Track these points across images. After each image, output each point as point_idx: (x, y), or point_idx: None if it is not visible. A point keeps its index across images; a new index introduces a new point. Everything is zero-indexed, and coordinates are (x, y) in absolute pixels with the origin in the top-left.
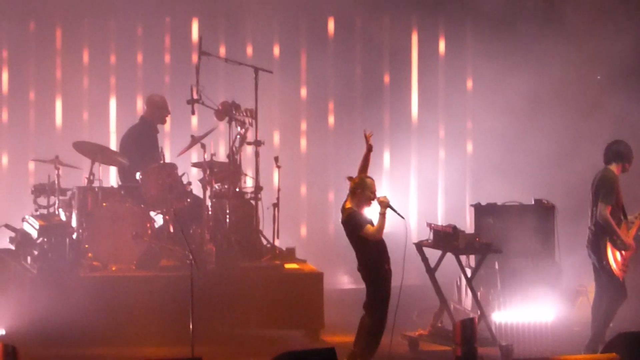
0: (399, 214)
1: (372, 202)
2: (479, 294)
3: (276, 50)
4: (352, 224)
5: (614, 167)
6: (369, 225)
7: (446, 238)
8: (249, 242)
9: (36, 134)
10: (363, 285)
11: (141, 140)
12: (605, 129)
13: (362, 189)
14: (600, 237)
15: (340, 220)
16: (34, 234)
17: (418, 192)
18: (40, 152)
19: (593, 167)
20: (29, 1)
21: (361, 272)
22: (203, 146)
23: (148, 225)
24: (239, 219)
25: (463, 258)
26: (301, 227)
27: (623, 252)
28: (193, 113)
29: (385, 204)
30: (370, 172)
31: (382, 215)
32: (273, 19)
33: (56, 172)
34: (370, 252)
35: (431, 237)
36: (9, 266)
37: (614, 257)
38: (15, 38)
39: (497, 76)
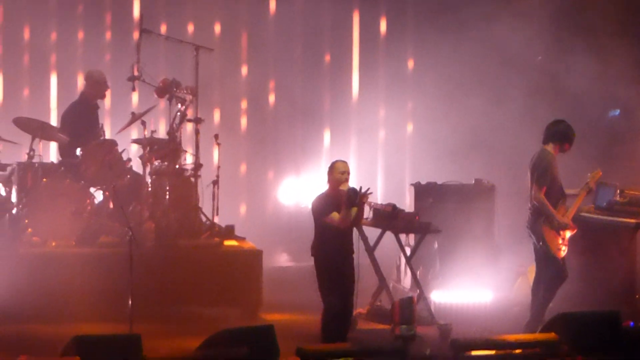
0: (355, 203)
1: (342, 185)
2: (418, 273)
3: (217, 28)
4: (315, 209)
5: (550, 148)
6: (335, 213)
7: (386, 217)
8: (188, 220)
9: None
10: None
11: (81, 117)
12: (546, 109)
13: (330, 172)
14: (537, 217)
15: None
16: None
17: (358, 172)
18: None
19: (534, 148)
20: None
21: (314, 255)
22: (143, 123)
23: (88, 201)
24: (179, 196)
25: (402, 237)
26: (240, 205)
27: (560, 232)
28: (134, 90)
29: (345, 194)
30: (309, 151)
31: (344, 205)
32: None
33: None
34: (330, 239)
35: (371, 215)
36: None
37: (551, 238)
38: None
39: (437, 57)
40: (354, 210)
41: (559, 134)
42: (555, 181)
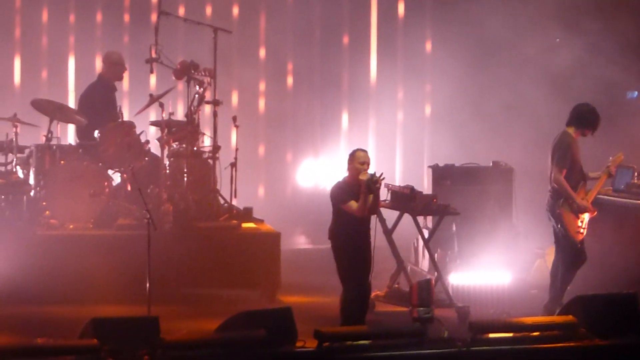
0: (373, 193)
1: (361, 175)
2: (436, 255)
3: (235, 10)
4: (333, 196)
5: (572, 130)
6: (353, 202)
7: (404, 199)
8: (207, 202)
9: None
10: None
11: (99, 99)
12: (567, 91)
13: (350, 160)
14: (556, 200)
15: None
16: None
17: (376, 154)
18: None
19: (554, 130)
20: None
21: (331, 239)
22: (161, 105)
23: (105, 183)
24: (197, 178)
25: (420, 219)
26: (259, 187)
27: (579, 215)
28: (152, 72)
29: (364, 184)
30: (327, 133)
31: (362, 194)
32: None
33: (14, 130)
34: (347, 224)
35: (389, 198)
36: None
37: (569, 220)
38: None
39: (456, 39)
40: (371, 197)
41: (579, 118)
42: (575, 164)
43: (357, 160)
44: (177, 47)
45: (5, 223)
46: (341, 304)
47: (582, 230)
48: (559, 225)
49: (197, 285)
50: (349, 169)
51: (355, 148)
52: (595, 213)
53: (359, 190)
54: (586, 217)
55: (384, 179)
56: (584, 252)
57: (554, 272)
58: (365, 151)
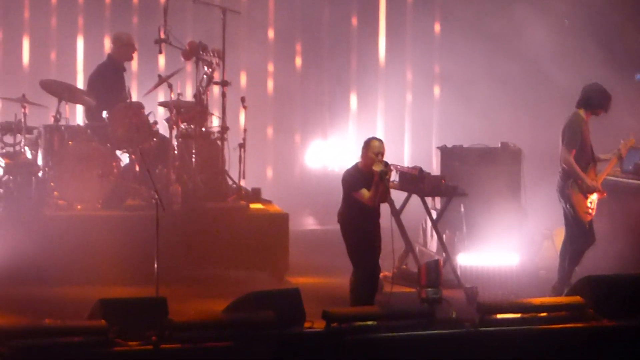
0: (385, 186)
1: (374, 166)
2: (444, 236)
3: None
4: (345, 182)
5: (582, 112)
6: (364, 190)
7: (412, 180)
8: (215, 183)
9: (3, 72)
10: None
11: (109, 79)
12: (574, 72)
13: (365, 148)
14: (566, 181)
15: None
16: (0, 172)
17: (385, 135)
18: (7, 91)
19: (561, 112)
20: None
21: (340, 222)
22: (170, 86)
23: (114, 164)
24: (205, 159)
25: (429, 200)
26: (267, 168)
27: (588, 195)
28: (160, 52)
29: (377, 174)
30: (336, 114)
31: (374, 184)
32: None
33: (23, 110)
34: (357, 207)
35: (397, 179)
36: None
37: (578, 201)
38: None
39: (464, 20)
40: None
41: (589, 99)
42: (585, 145)
43: (372, 149)
44: (186, 28)
45: (14, 204)
46: (351, 285)
47: (590, 211)
48: (568, 206)
49: (205, 266)
50: (362, 156)
51: (371, 136)
52: (605, 195)
53: (371, 178)
54: (595, 198)
55: (392, 170)
56: (592, 233)
57: (563, 253)
58: (380, 141)
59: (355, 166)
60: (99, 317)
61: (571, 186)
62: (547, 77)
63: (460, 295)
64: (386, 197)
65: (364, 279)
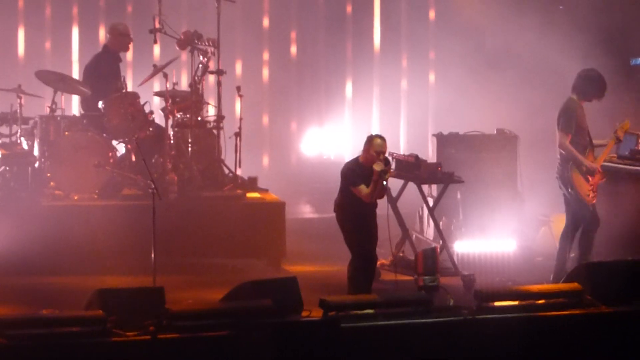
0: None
1: (375, 165)
2: (441, 223)
3: None
4: (344, 175)
5: (576, 97)
6: (363, 186)
7: (408, 167)
8: (211, 172)
9: None
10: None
11: (104, 69)
12: (570, 57)
13: (367, 145)
14: (565, 165)
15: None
16: None
17: (380, 122)
18: (3, 81)
19: (557, 97)
20: None
21: (336, 212)
22: (165, 75)
23: (110, 154)
24: (201, 148)
25: (425, 188)
26: (263, 157)
27: (589, 177)
28: (155, 42)
29: (377, 174)
30: (332, 102)
31: (373, 182)
32: None
33: (18, 101)
34: (354, 198)
35: (393, 166)
36: None
37: (580, 183)
38: None
39: (459, 6)
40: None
41: (584, 85)
42: (582, 129)
43: (374, 147)
44: (181, 17)
45: (10, 194)
46: (348, 273)
47: (592, 193)
48: (570, 189)
49: (202, 255)
50: (364, 152)
51: (374, 133)
52: (605, 179)
53: (370, 172)
54: (596, 180)
55: (392, 171)
56: (597, 215)
57: (563, 240)
58: (383, 139)
59: (356, 160)
60: (96, 307)
61: (571, 169)
62: (542, 62)
63: (457, 282)
64: (384, 195)
65: (361, 267)
